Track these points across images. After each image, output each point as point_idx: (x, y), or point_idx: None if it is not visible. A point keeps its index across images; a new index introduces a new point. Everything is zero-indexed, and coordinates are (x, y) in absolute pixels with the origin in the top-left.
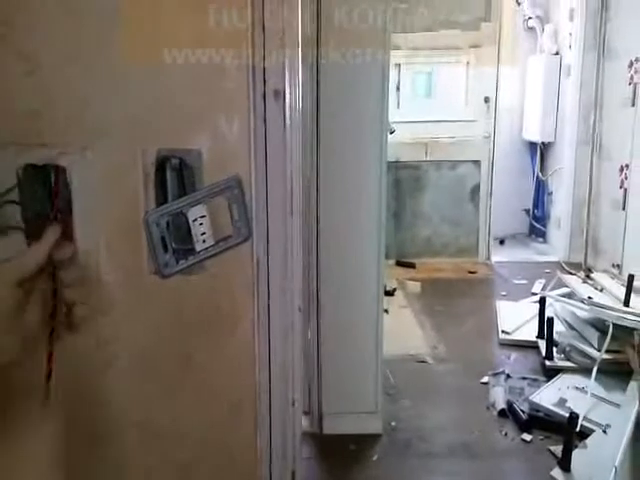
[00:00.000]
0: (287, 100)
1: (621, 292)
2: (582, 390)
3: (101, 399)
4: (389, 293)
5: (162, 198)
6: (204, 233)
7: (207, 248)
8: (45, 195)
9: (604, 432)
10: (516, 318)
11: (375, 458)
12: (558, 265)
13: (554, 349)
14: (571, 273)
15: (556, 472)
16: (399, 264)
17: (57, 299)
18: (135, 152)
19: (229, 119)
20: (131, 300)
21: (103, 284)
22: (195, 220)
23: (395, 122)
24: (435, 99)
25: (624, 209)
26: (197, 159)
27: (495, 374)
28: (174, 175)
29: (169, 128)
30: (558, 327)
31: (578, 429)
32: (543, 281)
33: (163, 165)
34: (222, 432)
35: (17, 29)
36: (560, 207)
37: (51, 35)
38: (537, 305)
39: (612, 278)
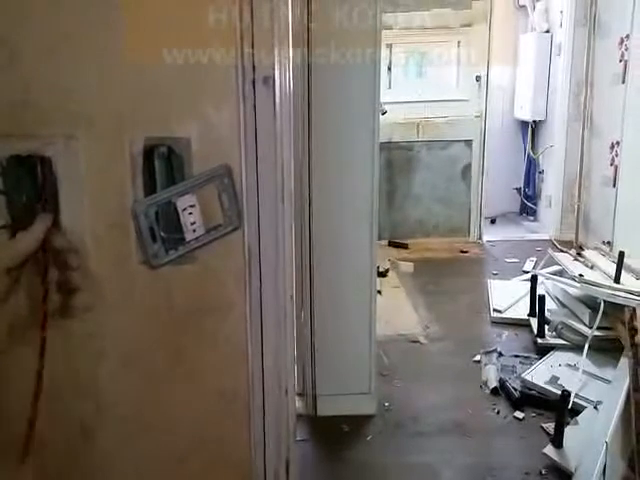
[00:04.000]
0: (277, 86)
1: (612, 269)
2: (574, 367)
3: (91, 391)
4: (382, 274)
5: (151, 187)
6: (194, 222)
7: (197, 237)
8: (30, 186)
9: (595, 408)
10: (508, 296)
11: (369, 438)
12: (549, 243)
13: (546, 327)
14: (562, 251)
15: (548, 449)
16: (391, 244)
17: (48, 284)
18: (122, 141)
19: (218, 106)
20: (121, 290)
21: (92, 274)
22: (185, 209)
23: (387, 103)
24: (427, 79)
25: (614, 186)
26: (186, 147)
27: (487, 352)
28: (162, 164)
29: (156, 116)
30: (550, 305)
31: (570, 406)
32: (534, 259)
33: (151, 154)
34: (215, 424)
35: None
36: (551, 185)
37: (33, 23)
38: (528, 283)
39: (603, 255)
